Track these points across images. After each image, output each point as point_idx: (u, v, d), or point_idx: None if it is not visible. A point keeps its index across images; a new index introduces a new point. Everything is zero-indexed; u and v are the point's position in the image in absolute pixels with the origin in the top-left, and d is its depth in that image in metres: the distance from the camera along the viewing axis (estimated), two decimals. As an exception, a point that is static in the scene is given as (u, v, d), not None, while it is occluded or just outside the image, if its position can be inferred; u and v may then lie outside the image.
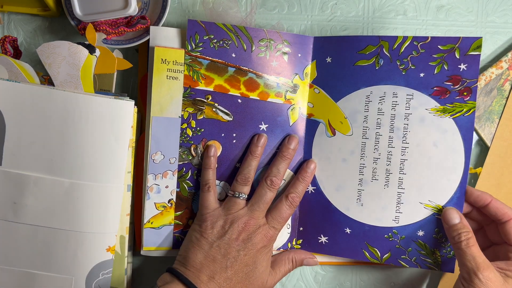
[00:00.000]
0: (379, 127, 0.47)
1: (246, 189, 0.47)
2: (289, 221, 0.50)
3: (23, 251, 0.44)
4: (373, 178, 0.47)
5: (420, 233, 0.47)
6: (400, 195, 0.47)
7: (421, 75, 0.46)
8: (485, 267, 0.41)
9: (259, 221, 0.45)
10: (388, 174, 0.47)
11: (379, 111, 0.47)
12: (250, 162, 0.47)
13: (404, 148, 0.46)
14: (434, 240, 0.46)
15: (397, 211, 0.47)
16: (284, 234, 0.50)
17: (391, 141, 0.47)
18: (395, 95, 0.46)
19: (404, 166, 0.46)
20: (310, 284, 0.53)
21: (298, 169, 0.49)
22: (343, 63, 0.48)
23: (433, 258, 0.47)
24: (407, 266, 0.47)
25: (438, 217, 0.46)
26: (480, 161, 0.52)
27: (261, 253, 0.45)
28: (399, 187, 0.47)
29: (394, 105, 0.46)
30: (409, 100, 0.46)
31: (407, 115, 0.46)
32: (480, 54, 0.44)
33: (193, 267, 0.43)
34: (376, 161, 0.47)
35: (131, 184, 0.47)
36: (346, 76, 0.48)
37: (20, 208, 0.43)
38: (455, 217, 0.44)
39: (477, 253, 0.42)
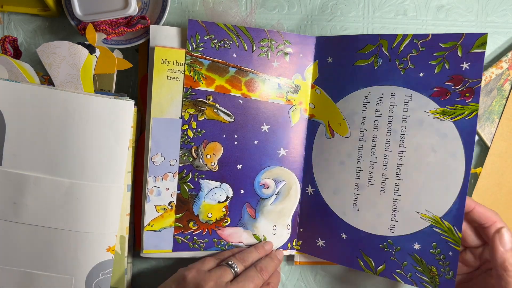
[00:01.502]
0: (376, 129, 0.45)
1: (241, 267, 0.45)
2: (290, 222, 0.50)
3: (23, 251, 0.44)
4: (369, 183, 0.46)
5: (416, 246, 0.44)
6: (396, 202, 0.44)
7: (421, 75, 0.43)
8: None
9: None
10: (384, 179, 0.45)
11: (376, 112, 0.45)
12: (255, 254, 0.47)
13: (401, 152, 0.44)
14: (431, 256, 0.43)
15: (392, 219, 0.45)
16: (284, 235, 0.50)
17: (388, 144, 0.45)
18: (393, 96, 0.44)
19: (400, 171, 0.44)
20: (310, 284, 0.53)
21: (299, 169, 0.49)
22: (343, 63, 0.47)
23: (430, 276, 0.43)
24: (402, 282, 0.44)
25: (436, 230, 0.43)
26: (480, 161, 0.52)
27: None
28: (395, 193, 0.44)
29: (392, 107, 0.45)
30: (407, 101, 0.44)
31: (405, 117, 0.44)
32: (484, 52, 0.41)
33: None
34: (372, 165, 0.45)
35: (131, 184, 0.47)
36: (346, 76, 0.47)
37: (20, 208, 0.43)
38: (510, 241, 0.41)
39: None
